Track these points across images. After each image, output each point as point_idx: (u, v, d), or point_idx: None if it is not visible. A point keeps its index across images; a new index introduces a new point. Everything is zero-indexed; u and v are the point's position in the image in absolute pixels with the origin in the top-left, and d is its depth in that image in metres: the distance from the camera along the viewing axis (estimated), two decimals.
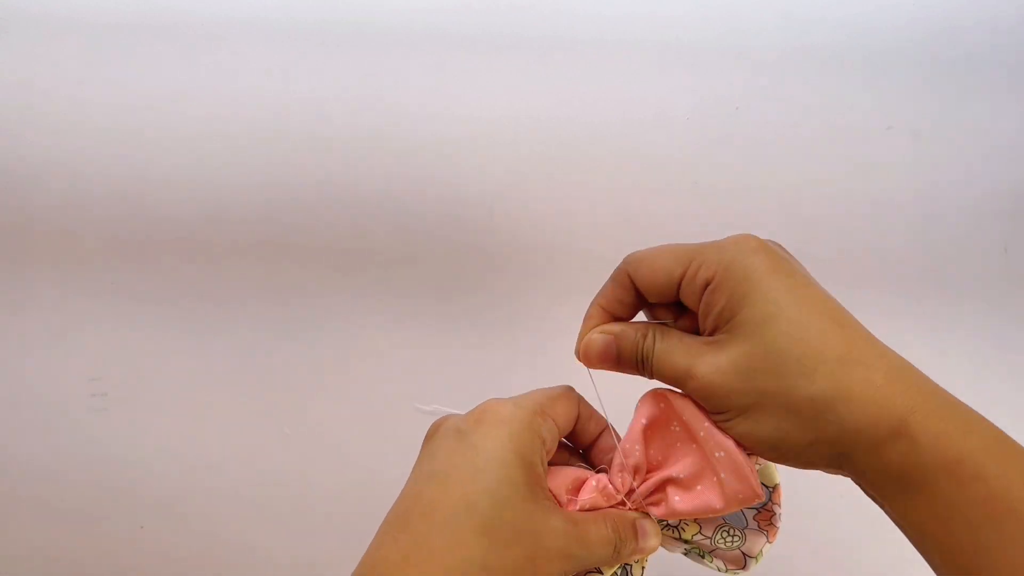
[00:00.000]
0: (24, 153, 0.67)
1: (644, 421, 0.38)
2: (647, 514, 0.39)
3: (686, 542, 0.40)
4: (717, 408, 0.35)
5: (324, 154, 0.66)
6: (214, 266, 0.66)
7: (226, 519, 0.65)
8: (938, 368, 0.65)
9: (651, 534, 0.38)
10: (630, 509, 0.39)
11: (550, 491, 0.37)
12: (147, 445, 0.66)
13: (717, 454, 0.36)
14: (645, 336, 0.38)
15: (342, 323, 0.66)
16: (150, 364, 0.66)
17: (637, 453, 0.39)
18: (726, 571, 0.40)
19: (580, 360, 0.40)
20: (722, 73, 0.64)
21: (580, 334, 0.40)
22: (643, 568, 0.40)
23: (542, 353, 0.63)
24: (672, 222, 0.64)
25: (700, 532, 0.40)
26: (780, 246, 0.39)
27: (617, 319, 0.40)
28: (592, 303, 0.41)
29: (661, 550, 0.40)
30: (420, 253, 0.65)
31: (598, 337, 0.39)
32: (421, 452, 0.40)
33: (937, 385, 0.35)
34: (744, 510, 0.40)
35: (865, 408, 0.32)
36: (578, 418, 0.40)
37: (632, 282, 0.39)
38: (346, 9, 0.67)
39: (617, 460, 0.39)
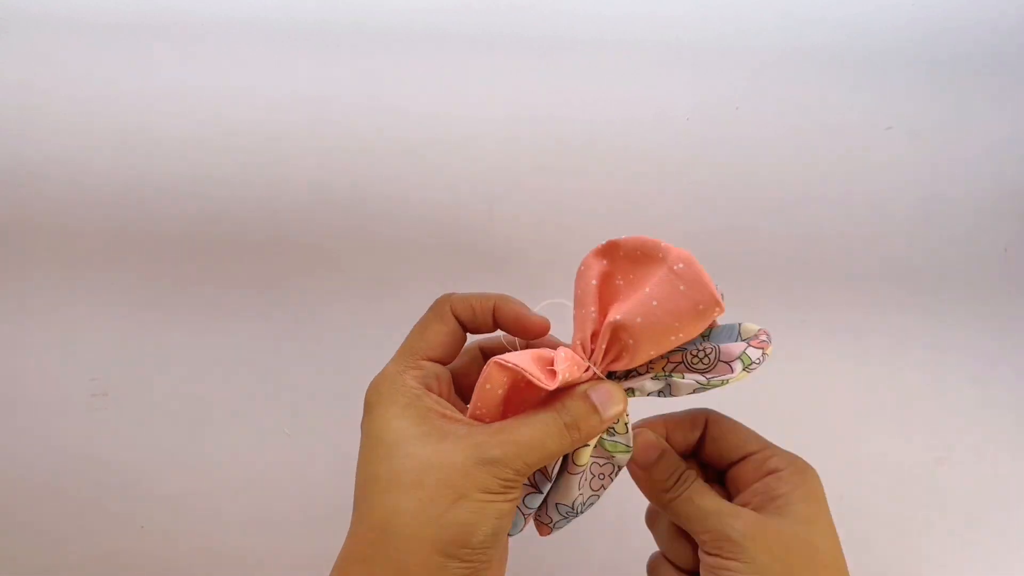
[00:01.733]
0: (24, 153, 0.67)
1: (595, 282, 0.39)
2: (602, 378, 0.39)
3: (655, 378, 0.40)
4: (732, 555, 0.38)
5: (324, 154, 0.66)
6: (214, 266, 0.66)
7: (226, 519, 0.65)
8: (938, 368, 0.65)
9: (610, 400, 0.39)
10: (595, 373, 0.39)
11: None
12: (147, 445, 0.66)
13: (677, 266, 0.37)
14: (685, 471, 0.42)
15: (342, 323, 0.66)
16: (150, 364, 0.66)
17: (592, 315, 0.39)
18: (708, 384, 0.39)
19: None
20: (722, 73, 0.64)
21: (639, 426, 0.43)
22: (627, 424, 0.41)
23: None
24: (672, 222, 0.64)
25: (667, 364, 0.40)
26: None
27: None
28: (661, 417, 0.44)
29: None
30: (420, 253, 0.65)
31: (651, 435, 0.42)
32: None
33: None
34: (720, 345, 0.40)
35: None
36: (513, 319, 0.41)
37: (701, 426, 0.44)
38: (346, 9, 0.67)
39: (577, 328, 0.40)
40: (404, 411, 0.38)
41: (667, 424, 0.44)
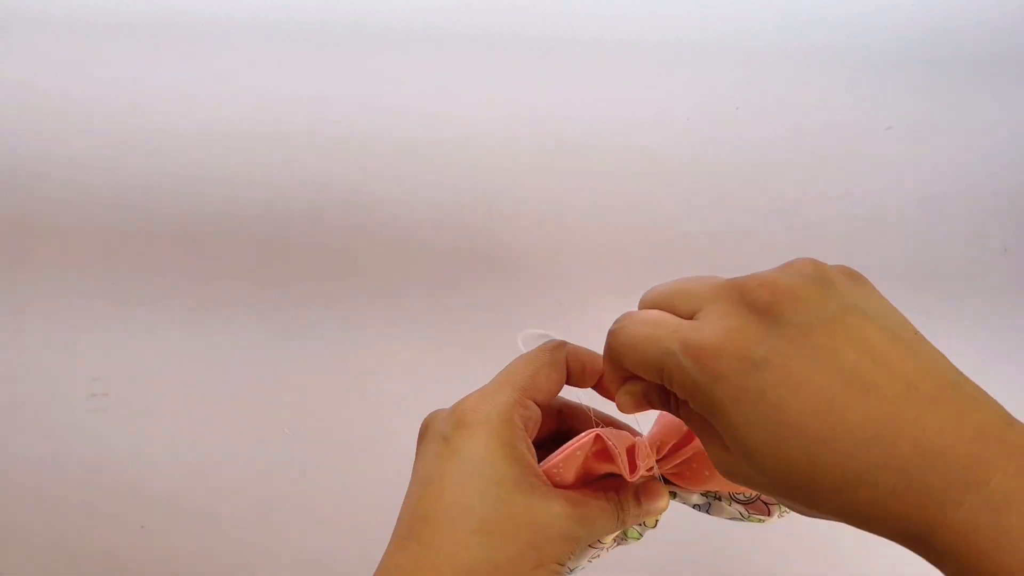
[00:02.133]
0: (24, 153, 0.67)
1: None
2: (656, 479, 0.39)
3: (703, 495, 0.40)
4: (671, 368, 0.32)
5: (324, 154, 0.66)
6: (214, 266, 0.66)
7: (226, 519, 0.65)
8: None
9: (657, 495, 0.39)
10: (654, 475, 0.39)
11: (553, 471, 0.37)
12: (147, 445, 0.66)
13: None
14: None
15: (342, 323, 0.66)
16: (150, 364, 0.66)
17: (683, 429, 0.38)
18: (747, 517, 0.40)
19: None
20: (722, 73, 0.64)
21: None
22: (657, 522, 0.41)
23: None
24: (672, 222, 0.64)
25: (713, 492, 0.40)
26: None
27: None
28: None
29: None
30: (420, 253, 0.65)
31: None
32: (416, 453, 0.41)
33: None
34: None
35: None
36: (575, 371, 0.40)
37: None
38: (346, 9, 0.67)
39: (662, 425, 0.39)
40: (506, 448, 0.36)
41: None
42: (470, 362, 0.61)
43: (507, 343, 0.64)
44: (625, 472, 0.37)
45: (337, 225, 0.66)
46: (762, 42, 0.64)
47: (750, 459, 0.29)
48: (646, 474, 0.39)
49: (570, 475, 0.38)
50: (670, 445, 0.39)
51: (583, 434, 0.38)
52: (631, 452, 0.38)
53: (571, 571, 0.40)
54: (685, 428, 0.38)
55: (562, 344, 0.40)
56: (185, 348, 0.66)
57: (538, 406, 0.39)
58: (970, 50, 0.64)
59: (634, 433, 0.40)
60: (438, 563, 0.34)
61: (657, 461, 0.39)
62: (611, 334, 0.36)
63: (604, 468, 0.39)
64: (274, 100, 0.66)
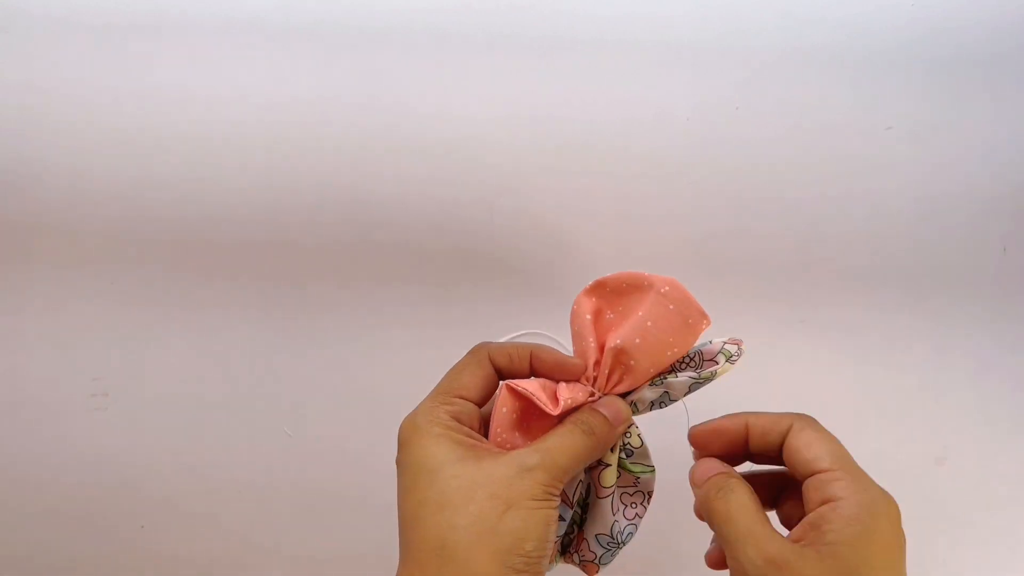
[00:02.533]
0: (24, 153, 0.67)
1: (588, 316, 0.44)
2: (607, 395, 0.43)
3: (652, 385, 0.43)
4: None
5: (324, 154, 0.66)
6: (214, 266, 0.66)
7: (226, 519, 0.65)
8: (937, 368, 0.65)
9: (616, 408, 0.42)
10: (600, 396, 0.43)
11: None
12: (148, 445, 0.66)
13: (663, 289, 0.42)
14: (725, 484, 0.40)
15: (342, 323, 0.66)
16: (151, 364, 0.66)
17: (592, 345, 0.43)
18: (700, 378, 0.43)
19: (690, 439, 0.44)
20: (722, 73, 0.64)
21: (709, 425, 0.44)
22: (640, 438, 0.44)
23: None
24: (672, 222, 0.64)
25: (659, 375, 0.43)
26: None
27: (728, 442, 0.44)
28: (748, 413, 0.44)
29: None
30: (420, 253, 0.65)
31: (707, 426, 0.43)
32: None
33: None
34: (701, 349, 0.43)
35: None
36: (532, 359, 0.44)
37: (783, 431, 0.42)
38: (346, 9, 0.67)
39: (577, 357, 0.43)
40: (440, 440, 0.40)
41: (748, 421, 0.43)
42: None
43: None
44: (546, 406, 0.40)
45: (337, 225, 0.66)
46: (762, 42, 0.64)
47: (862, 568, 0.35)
48: (590, 400, 0.42)
49: (511, 435, 0.42)
50: (595, 364, 0.43)
51: (497, 391, 0.43)
52: (551, 390, 0.42)
53: (565, 521, 0.44)
54: (594, 344, 0.43)
55: (483, 344, 0.45)
56: (185, 348, 0.66)
57: (475, 402, 0.43)
58: (970, 50, 0.64)
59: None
60: (415, 556, 0.38)
61: (593, 385, 0.43)
62: (801, 419, 0.43)
63: (545, 420, 0.42)
64: (274, 100, 0.66)
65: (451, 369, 0.44)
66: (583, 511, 0.46)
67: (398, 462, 0.42)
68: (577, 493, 0.44)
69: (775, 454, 0.42)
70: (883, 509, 0.37)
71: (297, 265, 0.66)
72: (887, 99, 0.64)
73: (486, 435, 0.44)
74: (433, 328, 0.65)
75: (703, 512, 0.40)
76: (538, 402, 0.41)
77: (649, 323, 0.42)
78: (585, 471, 0.44)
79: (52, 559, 0.66)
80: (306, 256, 0.66)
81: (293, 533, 0.65)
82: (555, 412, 0.41)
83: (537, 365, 0.44)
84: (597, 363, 0.43)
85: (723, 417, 0.43)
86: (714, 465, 0.42)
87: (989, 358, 0.63)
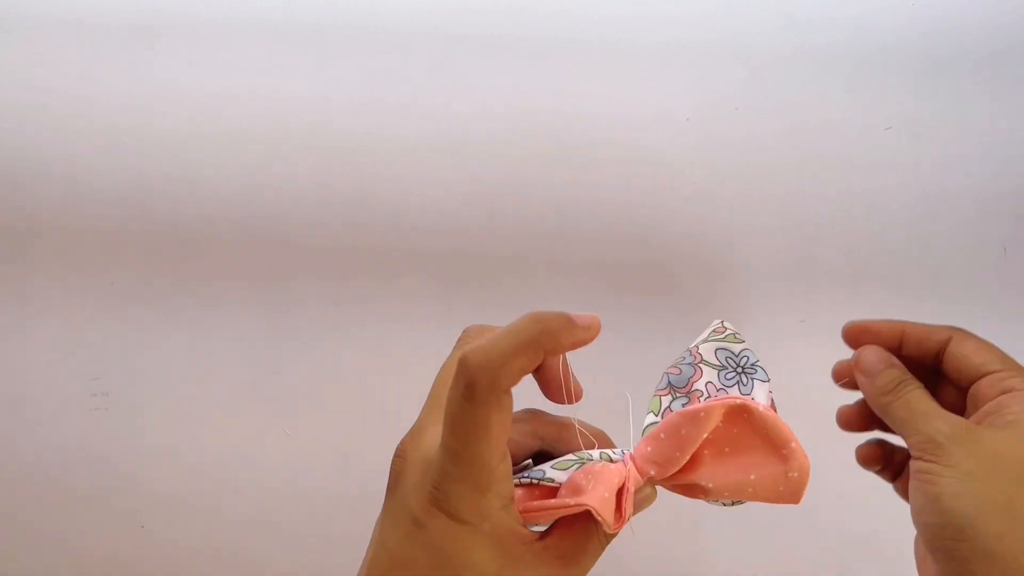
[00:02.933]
0: (24, 153, 0.67)
1: (706, 435, 0.36)
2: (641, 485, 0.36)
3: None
4: (934, 458, 0.36)
5: (324, 154, 0.66)
6: (215, 266, 0.66)
7: (226, 519, 0.65)
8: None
9: (641, 498, 0.36)
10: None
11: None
12: (148, 445, 0.66)
13: (791, 474, 0.36)
14: (908, 378, 0.40)
15: (342, 323, 0.66)
16: (151, 364, 0.66)
17: (678, 459, 0.35)
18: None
19: (853, 346, 0.43)
20: (722, 73, 0.64)
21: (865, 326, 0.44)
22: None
23: None
24: (672, 222, 0.64)
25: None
26: None
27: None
28: (901, 323, 0.43)
29: None
30: (420, 253, 0.65)
31: (879, 351, 0.42)
32: None
33: None
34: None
35: None
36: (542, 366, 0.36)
37: (944, 340, 0.42)
38: (346, 9, 0.66)
39: (652, 448, 0.36)
40: (487, 541, 0.32)
41: (905, 329, 0.43)
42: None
43: None
44: (608, 525, 0.33)
45: (337, 225, 0.66)
46: (762, 42, 0.64)
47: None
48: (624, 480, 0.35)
49: (542, 521, 0.35)
50: (668, 467, 0.35)
51: (573, 500, 0.33)
52: (619, 494, 0.34)
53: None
54: (691, 448, 0.35)
55: (489, 375, 0.33)
56: (185, 348, 0.66)
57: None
58: (970, 50, 0.64)
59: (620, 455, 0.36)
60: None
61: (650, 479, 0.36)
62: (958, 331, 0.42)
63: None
64: (274, 100, 0.66)
65: (471, 425, 0.32)
66: None
67: (388, 487, 0.36)
68: None
69: (929, 361, 0.43)
70: None
71: (297, 265, 0.66)
72: (887, 99, 0.64)
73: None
74: (433, 328, 0.65)
75: (876, 404, 0.40)
76: (598, 516, 0.33)
77: (750, 490, 0.36)
78: None
79: (52, 558, 0.66)
80: (306, 256, 0.66)
81: (293, 533, 0.65)
82: (614, 531, 0.33)
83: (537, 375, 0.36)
84: (670, 476, 0.36)
85: (878, 320, 0.43)
86: (883, 355, 0.41)
87: None
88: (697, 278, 0.64)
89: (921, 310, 0.64)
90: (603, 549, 0.35)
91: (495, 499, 0.32)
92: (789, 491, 0.36)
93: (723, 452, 0.37)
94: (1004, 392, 0.38)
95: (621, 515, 0.33)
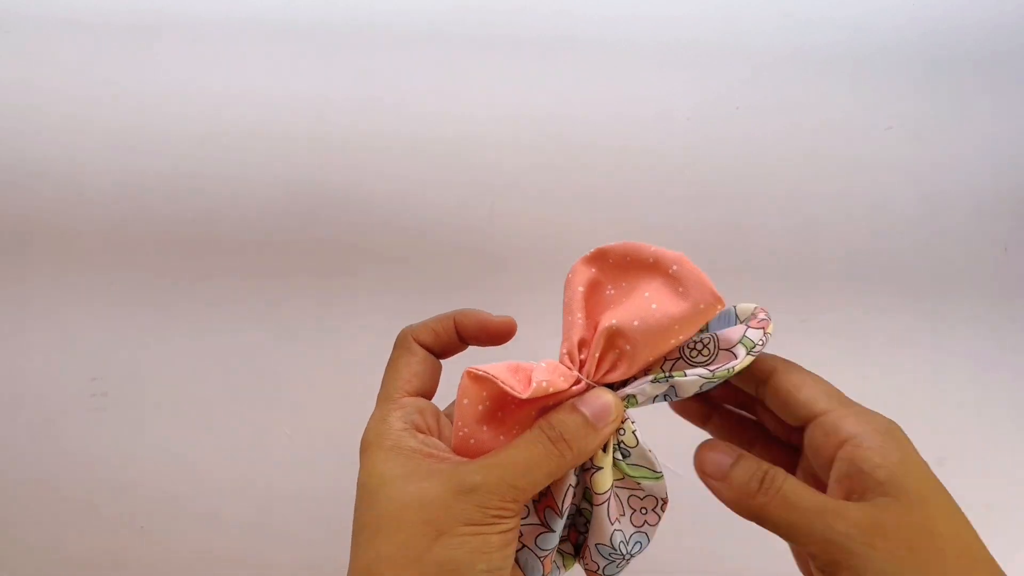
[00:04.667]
0: (24, 153, 0.67)
1: (581, 288, 0.37)
2: (594, 386, 0.36)
3: (655, 380, 0.36)
4: (849, 565, 0.32)
5: (324, 154, 0.66)
6: (214, 266, 0.66)
7: (226, 519, 0.65)
8: (938, 367, 0.65)
9: (602, 407, 0.36)
10: (587, 384, 0.36)
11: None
12: (147, 445, 0.66)
13: (672, 268, 0.36)
14: (769, 469, 0.35)
15: (342, 323, 0.66)
16: (150, 364, 0.66)
17: (580, 322, 0.36)
18: (714, 376, 0.35)
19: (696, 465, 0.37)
20: (722, 73, 0.64)
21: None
22: (636, 436, 0.37)
23: (542, 352, 0.63)
24: (672, 222, 0.64)
25: (664, 363, 0.37)
26: None
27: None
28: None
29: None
30: (420, 253, 0.65)
31: (718, 444, 0.37)
32: None
33: None
34: (717, 332, 0.37)
35: None
36: (429, 343, 0.41)
37: (764, 378, 0.38)
38: (346, 9, 0.66)
39: (564, 338, 0.37)
40: (388, 454, 0.36)
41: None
42: (470, 362, 0.61)
43: (506, 343, 0.64)
44: (513, 390, 0.34)
45: (337, 225, 0.66)
46: (762, 42, 0.64)
47: (927, 505, 0.33)
48: (575, 389, 0.35)
49: (478, 430, 0.35)
50: (582, 344, 0.36)
51: (459, 381, 0.36)
52: (524, 372, 0.35)
53: (555, 532, 0.37)
54: (582, 320, 0.37)
55: (406, 329, 0.41)
56: (185, 348, 0.66)
57: (423, 394, 0.40)
58: (970, 50, 0.64)
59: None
60: None
61: (580, 370, 0.36)
62: (776, 361, 0.39)
63: (522, 410, 0.36)
64: (274, 100, 0.66)
65: (386, 368, 0.40)
66: (587, 517, 0.39)
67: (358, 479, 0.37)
68: (568, 499, 0.37)
69: (750, 401, 0.40)
70: (891, 425, 0.36)
71: (297, 265, 0.66)
72: (887, 99, 0.64)
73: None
74: None
75: (747, 510, 0.35)
76: (503, 385, 0.34)
77: (653, 305, 0.35)
78: (576, 472, 0.37)
79: (52, 559, 0.66)
80: (306, 256, 0.66)
81: (293, 533, 0.65)
82: (523, 395, 0.34)
83: (462, 332, 0.40)
84: (586, 344, 0.36)
85: (710, 440, 0.38)
86: (727, 452, 0.36)
87: (989, 358, 0.63)
88: None
89: (921, 310, 0.64)
90: (540, 445, 0.35)
91: (396, 422, 0.37)
92: (688, 285, 0.35)
93: (614, 301, 0.37)
94: (842, 444, 0.35)
95: (527, 385, 0.34)
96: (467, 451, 0.36)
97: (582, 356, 0.36)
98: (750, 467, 0.35)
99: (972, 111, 0.64)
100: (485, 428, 0.36)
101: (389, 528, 0.33)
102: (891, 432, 0.35)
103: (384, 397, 0.39)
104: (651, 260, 0.36)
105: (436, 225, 0.65)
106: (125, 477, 0.66)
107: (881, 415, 0.36)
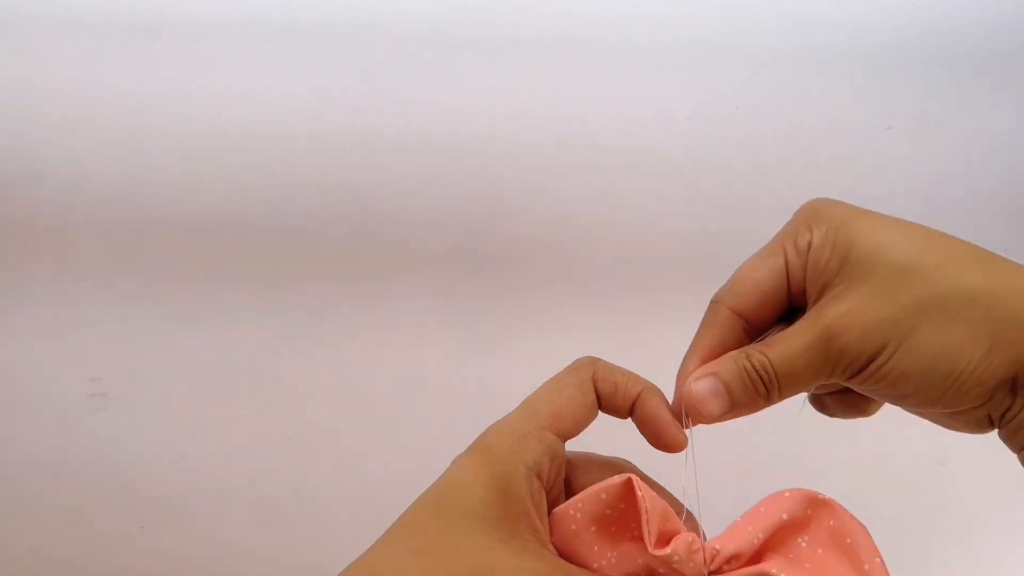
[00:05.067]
0: (24, 153, 0.67)
1: (785, 517, 0.32)
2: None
3: None
4: (873, 348, 0.30)
5: (324, 154, 0.66)
6: (214, 266, 0.66)
7: (226, 519, 0.65)
8: None
9: None
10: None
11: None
12: (147, 445, 0.66)
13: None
14: (750, 355, 0.32)
15: (342, 323, 0.66)
16: (150, 364, 0.66)
17: (753, 541, 0.32)
18: None
19: (687, 421, 0.34)
20: (722, 73, 0.64)
21: (677, 391, 0.34)
22: None
23: (542, 352, 0.63)
24: (672, 222, 0.64)
25: None
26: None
27: None
28: (687, 356, 0.35)
29: None
30: (420, 253, 0.65)
31: (700, 383, 0.33)
32: None
33: None
34: None
35: None
36: (606, 394, 0.34)
37: (732, 315, 0.34)
38: (346, 9, 0.66)
39: (726, 536, 0.32)
40: (493, 481, 0.30)
41: (701, 355, 0.35)
42: (470, 362, 0.62)
43: (507, 343, 0.65)
44: (647, 539, 0.30)
45: (337, 225, 0.66)
46: (762, 42, 0.64)
47: (886, 251, 0.31)
48: (675, 563, 0.31)
49: (587, 531, 0.32)
50: (735, 555, 0.31)
51: (616, 476, 0.31)
52: (667, 521, 0.32)
53: None
54: (757, 543, 0.32)
55: (590, 361, 0.35)
56: (185, 348, 0.66)
57: (567, 435, 0.34)
58: (970, 50, 0.64)
59: (687, 522, 0.33)
60: (376, 570, 0.29)
61: (708, 566, 0.31)
62: (719, 292, 0.34)
63: (614, 534, 0.32)
64: (274, 100, 0.66)
65: (548, 384, 0.34)
66: None
67: (454, 461, 0.33)
68: None
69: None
70: (818, 207, 0.34)
71: (297, 265, 0.66)
72: (887, 99, 0.64)
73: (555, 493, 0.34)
74: (433, 328, 0.65)
75: (753, 394, 0.32)
76: (644, 528, 0.30)
77: None
78: None
79: (52, 558, 0.66)
80: (306, 256, 0.66)
81: (293, 534, 0.65)
82: (653, 552, 0.30)
83: (638, 408, 0.34)
84: (735, 557, 0.32)
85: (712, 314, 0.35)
86: (686, 377, 0.33)
87: None
88: (697, 278, 0.64)
89: None
90: None
91: (527, 454, 0.32)
92: None
93: (797, 555, 0.33)
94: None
95: (663, 543, 0.31)
96: (561, 535, 0.32)
97: (716, 554, 0.32)
98: (737, 365, 0.32)
99: (972, 111, 0.64)
100: (593, 529, 0.32)
101: (435, 563, 0.29)
102: (822, 213, 0.33)
103: (534, 411, 0.33)
104: (864, 566, 0.32)
105: (436, 225, 0.65)
106: (125, 477, 0.66)
107: (806, 207, 0.34)
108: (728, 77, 0.64)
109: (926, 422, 0.64)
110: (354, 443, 0.65)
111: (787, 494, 0.33)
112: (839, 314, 0.31)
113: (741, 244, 0.64)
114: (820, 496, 0.33)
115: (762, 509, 0.32)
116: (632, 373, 0.35)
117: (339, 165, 0.66)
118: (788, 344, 0.31)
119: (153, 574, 0.66)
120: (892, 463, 0.62)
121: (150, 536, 0.66)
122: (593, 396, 0.34)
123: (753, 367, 0.32)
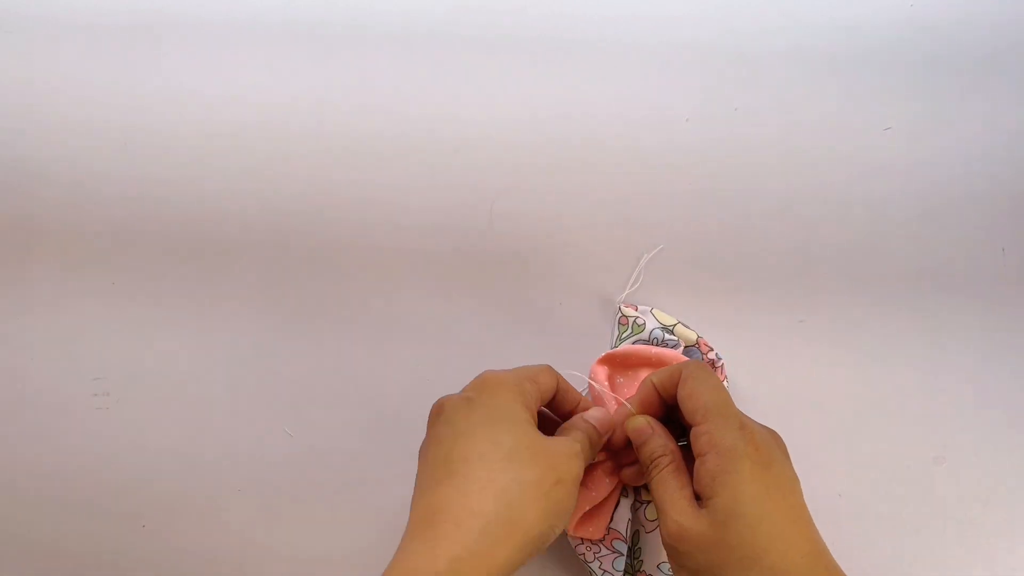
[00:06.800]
0: (24, 153, 0.67)
1: (606, 383, 0.56)
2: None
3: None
4: (677, 560, 0.43)
5: (324, 154, 0.66)
6: (215, 266, 0.66)
7: (228, 518, 0.65)
8: (936, 368, 0.65)
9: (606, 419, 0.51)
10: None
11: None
12: (149, 444, 0.66)
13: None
14: (664, 454, 0.46)
15: (342, 323, 0.66)
16: (153, 364, 0.66)
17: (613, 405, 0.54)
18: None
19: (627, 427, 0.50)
20: (722, 73, 0.65)
21: (636, 396, 0.50)
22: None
23: (542, 353, 0.63)
24: (672, 223, 0.64)
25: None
26: (774, 434, 0.47)
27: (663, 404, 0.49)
28: (648, 379, 0.50)
29: None
30: (420, 253, 0.65)
31: (641, 421, 0.49)
32: (429, 433, 0.48)
33: None
34: None
35: None
36: (557, 391, 0.51)
37: (654, 389, 0.50)
38: (346, 9, 0.67)
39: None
40: (522, 398, 0.46)
41: (655, 382, 0.49)
42: (470, 362, 0.61)
43: (507, 343, 0.65)
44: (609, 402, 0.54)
45: (337, 226, 0.66)
46: (762, 42, 0.64)
47: (736, 520, 0.40)
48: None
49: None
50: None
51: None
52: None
53: (623, 555, 0.52)
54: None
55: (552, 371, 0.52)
56: (187, 347, 0.66)
57: (543, 399, 0.50)
58: (969, 50, 0.64)
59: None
60: (477, 488, 0.41)
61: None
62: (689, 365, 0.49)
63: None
64: (274, 101, 0.66)
65: (527, 366, 0.50)
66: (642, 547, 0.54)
67: (473, 400, 0.46)
68: (630, 529, 0.52)
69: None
70: (743, 451, 0.42)
71: (298, 265, 0.66)
72: (886, 99, 0.64)
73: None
74: (433, 328, 0.65)
75: (645, 474, 0.47)
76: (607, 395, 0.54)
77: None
78: (632, 510, 0.52)
79: (54, 558, 0.66)
80: (307, 256, 0.66)
81: (294, 532, 0.65)
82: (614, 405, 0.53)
83: (579, 411, 0.52)
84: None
85: (637, 417, 0.49)
86: (643, 426, 0.48)
87: (989, 358, 0.63)
88: (696, 278, 0.64)
89: (921, 310, 0.64)
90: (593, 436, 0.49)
91: (533, 393, 0.50)
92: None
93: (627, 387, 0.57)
94: (700, 455, 0.43)
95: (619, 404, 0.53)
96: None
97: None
98: (654, 445, 0.47)
99: (971, 111, 0.64)
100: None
101: (527, 460, 0.43)
102: (731, 454, 0.42)
103: (520, 370, 0.50)
104: (654, 359, 0.56)
105: (436, 226, 0.65)
106: (127, 476, 0.66)
107: (740, 434, 0.43)
108: (728, 77, 0.64)
109: (924, 422, 0.65)
110: (355, 443, 0.65)
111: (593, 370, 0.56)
112: (683, 522, 0.43)
113: (740, 244, 0.65)
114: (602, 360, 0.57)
115: (606, 384, 0.56)
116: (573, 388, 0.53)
117: (339, 166, 0.66)
118: (664, 486, 0.45)
119: (155, 573, 0.66)
120: (889, 462, 0.62)
121: (152, 535, 0.66)
122: (555, 385, 0.51)
123: (653, 461, 0.47)
